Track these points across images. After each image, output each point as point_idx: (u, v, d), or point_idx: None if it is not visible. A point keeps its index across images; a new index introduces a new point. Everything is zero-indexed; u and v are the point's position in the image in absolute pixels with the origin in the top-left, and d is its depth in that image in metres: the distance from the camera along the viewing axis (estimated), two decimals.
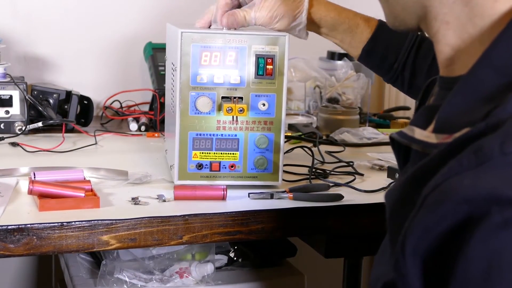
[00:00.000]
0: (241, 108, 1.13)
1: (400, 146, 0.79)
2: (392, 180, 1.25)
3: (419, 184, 0.65)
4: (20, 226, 0.97)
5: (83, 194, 1.06)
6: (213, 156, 1.17)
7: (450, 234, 0.59)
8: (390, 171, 1.27)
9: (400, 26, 0.83)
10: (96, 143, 1.50)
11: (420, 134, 0.74)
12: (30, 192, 1.05)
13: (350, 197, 1.16)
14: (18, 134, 1.51)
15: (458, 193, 0.59)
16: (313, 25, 1.24)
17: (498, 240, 0.57)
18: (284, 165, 1.21)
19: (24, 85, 1.55)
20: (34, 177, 1.12)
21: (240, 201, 1.13)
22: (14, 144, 1.44)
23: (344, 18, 1.24)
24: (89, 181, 1.11)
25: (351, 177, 1.27)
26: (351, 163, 1.36)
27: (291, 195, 1.15)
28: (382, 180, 1.27)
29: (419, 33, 1.22)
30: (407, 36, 1.25)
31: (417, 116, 0.78)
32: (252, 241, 1.38)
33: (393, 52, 1.25)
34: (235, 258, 1.46)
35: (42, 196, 1.05)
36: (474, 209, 0.58)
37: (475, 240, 0.58)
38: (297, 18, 1.20)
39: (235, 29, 1.17)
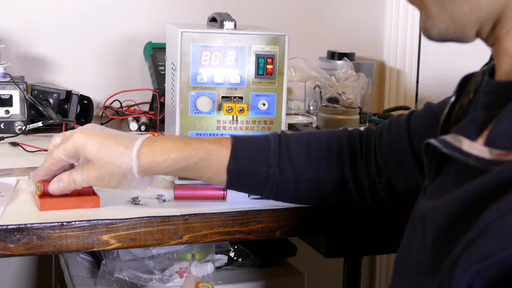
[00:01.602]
0: (241, 108, 1.14)
1: (435, 153, 0.72)
2: None
3: (477, 205, 0.61)
4: (20, 226, 0.97)
5: (91, 189, 1.07)
6: None
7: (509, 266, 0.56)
8: None
9: (453, 34, 0.73)
10: None
11: (469, 146, 0.66)
12: (43, 193, 1.04)
13: None
14: (18, 134, 1.51)
15: None
16: (157, 172, 1.03)
17: None
18: None
19: (24, 85, 1.55)
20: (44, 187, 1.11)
21: (240, 201, 1.13)
22: (14, 144, 1.44)
23: (189, 151, 1.01)
24: None
25: None
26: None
27: None
28: None
29: (278, 134, 1.08)
30: (267, 140, 1.07)
31: (464, 125, 0.70)
32: (252, 241, 1.38)
33: (262, 159, 1.05)
34: (235, 258, 1.46)
35: (49, 195, 1.05)
36: None
37: None
38: (128, 175, 1.01)
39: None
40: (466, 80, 0.82)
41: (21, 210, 1.04)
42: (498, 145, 0.63)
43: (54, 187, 1.03)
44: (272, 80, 1.16)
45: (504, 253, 0.56)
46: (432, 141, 0.69)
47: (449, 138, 0.67)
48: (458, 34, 0.73)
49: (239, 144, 1.05)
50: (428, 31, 0.75)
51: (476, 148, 0.65)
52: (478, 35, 0.73)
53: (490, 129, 0.65)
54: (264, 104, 1.17)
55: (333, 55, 1.90)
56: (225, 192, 1.12)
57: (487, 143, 0.64)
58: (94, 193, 1.08)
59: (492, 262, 0.57)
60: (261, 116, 1.17)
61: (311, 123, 1.68)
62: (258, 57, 1.15)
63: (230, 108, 1.13)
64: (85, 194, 1.07)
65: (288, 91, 1.70)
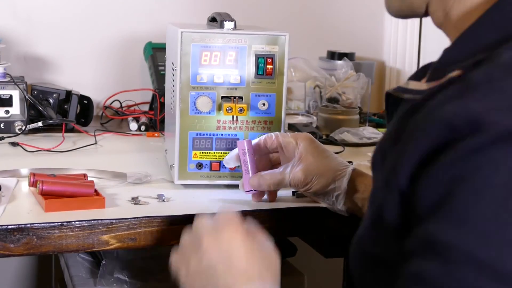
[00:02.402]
0: (241, 108, 1.13)
1: (394, 103, 0.82)
2: None
3: (408, 121, 0.70)
4: (20, 226, 0.97)
5: (93, 190, 1.07)
6: (213, 155, 1.17)
7: (431, 156, 0.62)
8: None
9: (406, 11, 0.83)
10: (96, 143, 1.50)
11: (414, 85, 0.78)
12: (41, 192, 1.04)
13: None
14: (18, 134, 1.51)
15: (442, 117, 0.61)
16: (355, 202, 1.07)
17: (465, 165, 0.58)
18: None
19: (24, 85, 1.55)
20: (34, 178, 1.10)
21: (240, 201, 1.13)
22: (14, 144, 1.44)
23: None
24: (92, 182, 1.11)
25: None
26: (351, 163, 1.36)
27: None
28: None
29: None
30: None
31: (415, 72, 0.84)
32: None
33: None
34: None
35: (50, 195, 1.05)
36: (452, 133, 0.60)
37: (443, 163, 0.60)
38: (337, 181, 1.06)
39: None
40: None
41: (21, 210, 1.04)
42: (434, 79, 0.73)
43: (255, 181, 1.09)
44: (272, 80, 1.16)
45: (427, 145, 0.63)
46: (389, 90, 0.82)
47: (402, 84, 0.80)
48: (411, 10, 0.83)
49: None
50: (389, 9, 0.86)
51: (418, 85, 0.76)
52: (429, 13, 0.82)
53: (430, 69, 0.77)
54: (264, 104, 1.17)
55: (333, 55, 1.90)
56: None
57: (428, 80, 0.76)
58: (98, 194, 1.07)
59: (421, 153, 0.63)
60: (261, 116, 1.17)
61: (311, 123, 1.68)
62: (258, 57, 1.15)
63: (230, 108, 1.13)
64: (89, 195, 1.07)
65: (288, 91, 1.70)
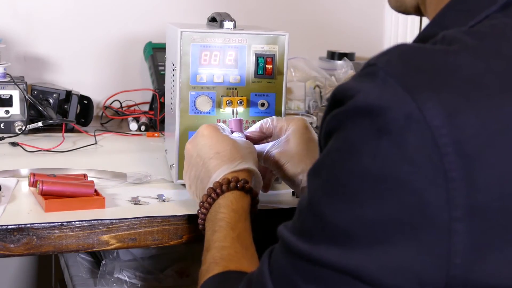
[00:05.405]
0: (240, 100, 1.14)
1: None
2: None
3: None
4: (20, 226, 0.97)
5: (93, 191, 1.07)
6: None
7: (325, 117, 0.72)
8: None
9: (401, 7, 0.89)
10: (96, 143, 1.50)
11: None
12: (41, 192, 1.04)
13: None
14: (18, 134, 1.51)
15: (334, 90, 0.71)
16: None
17: (329, 127, 0.69)
18: None
19: (24, 85, 1.55)
20: (34, 178, 1.11)
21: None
22: (14, 144, 1.44)
23: None
24: (92, 182, 1.11)
25: None
26: None
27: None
28: None
29: None
30: None
31: None
32: None
33: None
34: None
35: (50, 195, 1.05)
36: (334, 101, 0.70)
37: (326, 121, 0.70)
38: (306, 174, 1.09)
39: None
40: None
41: (21, 210, 1.04)
42: None
43: None
44: (272, 79, 1.16)
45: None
46: None
47: None
48: (404, 8, 0.89)
49: None
50: (389, 4, 0.92)
51: None
52: (422, 12, 0.86)
53: None
54: (263, 104, 1.17)
55: (333, 55, 1.90)
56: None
57: None
58: (98, 194, 1.07)
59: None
60: (260, 115, 1.17)
61: (311, 123, 1.68)
62: (258, 56, 1.15)
63: (229, 101, 1.13)
64: (89, 195, 1.07)
65: (288, 91, 1.70)
